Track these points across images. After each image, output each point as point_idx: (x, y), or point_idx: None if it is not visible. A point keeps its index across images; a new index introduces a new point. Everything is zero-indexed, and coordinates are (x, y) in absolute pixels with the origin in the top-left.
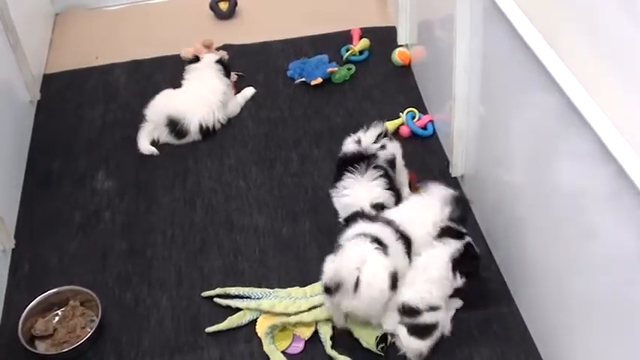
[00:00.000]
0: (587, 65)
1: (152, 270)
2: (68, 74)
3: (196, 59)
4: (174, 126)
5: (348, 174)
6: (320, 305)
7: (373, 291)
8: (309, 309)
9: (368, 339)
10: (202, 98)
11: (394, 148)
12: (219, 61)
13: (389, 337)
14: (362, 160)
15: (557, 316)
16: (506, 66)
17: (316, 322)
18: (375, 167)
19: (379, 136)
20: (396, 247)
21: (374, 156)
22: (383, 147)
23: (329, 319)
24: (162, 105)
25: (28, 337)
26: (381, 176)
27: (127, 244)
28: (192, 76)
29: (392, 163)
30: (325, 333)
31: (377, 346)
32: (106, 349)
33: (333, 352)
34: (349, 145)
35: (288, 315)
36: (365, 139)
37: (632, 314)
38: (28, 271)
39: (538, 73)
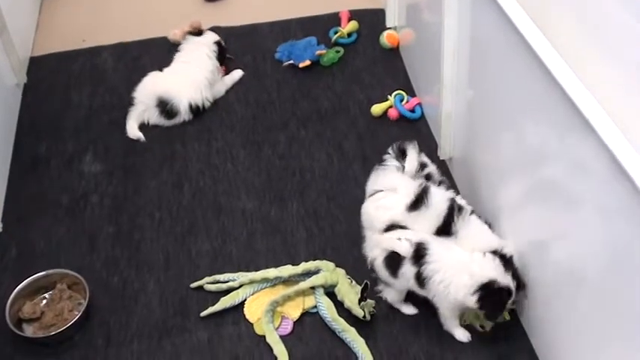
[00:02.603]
0: (575, 48)
1: (140, 253)
2: (55, 57)
3: (200, 33)
4: (164, 106)
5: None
6: (317, 272)
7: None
8: (304, 274)
9: (352, 297)
10: (190, 77)
11: (426, 160)
12: (218, 43)
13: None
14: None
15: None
16: (495, 49)
17: (314, 296)
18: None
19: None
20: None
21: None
22: (424, 166)
23: (326, 287)
24: (152, 86)
25: (16, 320)
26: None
27: (115, 228)
28: (185, 52)
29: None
30: (327, 306)
31: (359, 302)
32: (94, 332)
33: (340, 320)
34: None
35: (283, 281)
36: (409, 166)
37: (616, 292)
38: (16, 255)
39: (526, 55)
